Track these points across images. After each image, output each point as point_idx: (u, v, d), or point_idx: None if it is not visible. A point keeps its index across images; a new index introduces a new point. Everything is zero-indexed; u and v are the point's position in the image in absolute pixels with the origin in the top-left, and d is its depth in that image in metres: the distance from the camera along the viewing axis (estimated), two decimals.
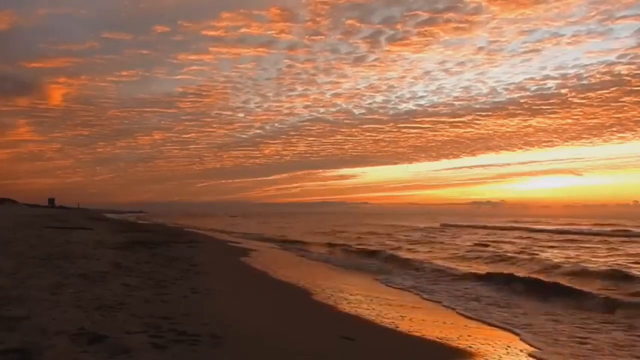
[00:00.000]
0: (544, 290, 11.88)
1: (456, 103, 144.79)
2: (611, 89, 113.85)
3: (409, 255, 20.50)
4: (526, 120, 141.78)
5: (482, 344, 6.94)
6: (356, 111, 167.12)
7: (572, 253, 21.87)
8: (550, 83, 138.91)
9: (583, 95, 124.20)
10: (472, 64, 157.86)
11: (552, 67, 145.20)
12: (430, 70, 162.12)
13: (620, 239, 32.36)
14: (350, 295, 10.75)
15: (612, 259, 19.08)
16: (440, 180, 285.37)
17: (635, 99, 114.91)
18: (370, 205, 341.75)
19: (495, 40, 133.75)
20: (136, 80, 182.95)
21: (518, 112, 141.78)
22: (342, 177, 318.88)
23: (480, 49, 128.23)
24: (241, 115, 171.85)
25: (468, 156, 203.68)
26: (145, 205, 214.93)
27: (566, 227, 47.84)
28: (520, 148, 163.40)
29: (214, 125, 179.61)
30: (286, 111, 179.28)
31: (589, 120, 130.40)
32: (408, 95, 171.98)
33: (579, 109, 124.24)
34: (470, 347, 6.72)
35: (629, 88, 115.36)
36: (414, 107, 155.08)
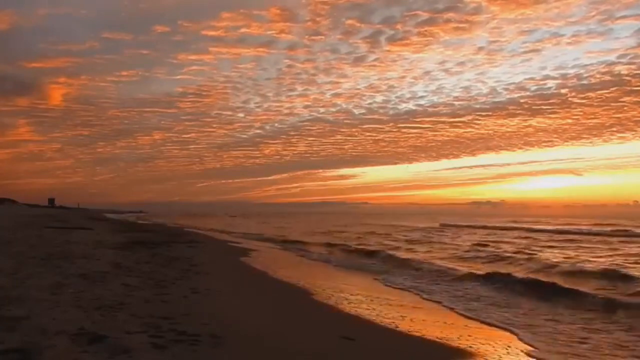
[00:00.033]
0: (543, 290, 11.88)
1: (456, 103, 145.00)
2: (611, 89, 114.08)
3: (408, 255, 20.50)
4: (526, 120, 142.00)
5: (482, 344, 6.94)
6: (356, 111, 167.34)
7: (571, 253, 21.85)
8: (550, 83, 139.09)
9: (583, 95, 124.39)
10: (472, 64, 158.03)
11: (552, 67, 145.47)
12: (430, 70, 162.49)
13: (619, 238, 32.37)
14: (351, 295, 10.75)
15: (611, 259, 19.07)
16: (440, 180, 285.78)
17: (635, 99, 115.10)
18: (370, 205, 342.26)
19: (495, 40, 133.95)
20: (136, 80, 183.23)
21: (518, 112, 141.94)
22: (342, 177, 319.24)
23: (480, 49, 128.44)
24: (241, 115, 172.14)
25: (468, 156, 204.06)
26: (145, 205, 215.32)
27: (566, 227, 47.86)
28: (520, 148, 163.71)
29: (214, 125, 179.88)
30: (286, 111, 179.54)
31: (589, 120, 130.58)
32: (408, 95, 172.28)
33: (579, 109, 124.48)
34: (470, 347, 6.72)
35: (629, 88, 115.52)
36: (414, 107, 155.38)
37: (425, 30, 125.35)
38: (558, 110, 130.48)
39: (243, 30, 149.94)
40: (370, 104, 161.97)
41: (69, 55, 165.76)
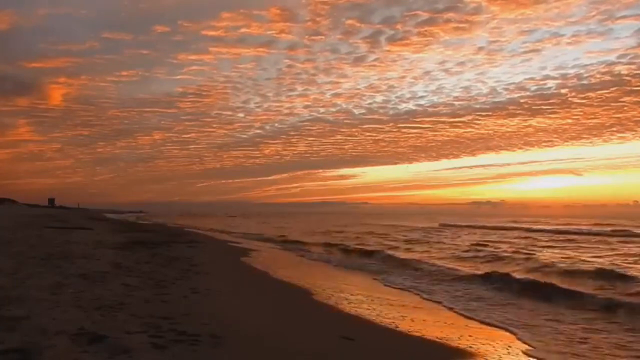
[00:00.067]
0: (542, 290, 11.88)
1: (456, 103, 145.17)
2: (611, 89, 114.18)
3: (407, 255, 20.52)
4: (526, 120, 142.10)
5: (482, 344, 6.95)
6: (356, 111, 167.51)
7: (571, 253, 21.85)
8: (550, 83, 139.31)
9: (583, 95, 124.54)
10: (472, 64, 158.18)
11: (552, 67, 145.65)
12: (430, 70, 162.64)
13: (619, 238, 32.38)
14: (351, 295, 10.76)
15: (610, 259, 19.09)
16: (440, 180, 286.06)
17: (635, 99, 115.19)
18: (370, 205, 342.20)
19: (495, 40, 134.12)
20: (136, 80, 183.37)
21: (518, 112, 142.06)
22: (342, 177, 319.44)
23: (480, 49, 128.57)
24: (241, 115, 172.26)
25: (468, 156, 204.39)
26: (145, 205, 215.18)
27: (565, 227, 47.86)
28: (520, 148, 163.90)
29: (214, 125, 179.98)
30: (286, 111, 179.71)
31: (589, 120, 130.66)
32: (408, 95, 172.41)
33: (579, 109, 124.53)
34: (470, 347, 6.73)
35: (629, 88, 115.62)
36: (414, 107, 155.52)
37: (425, 30, 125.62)
38: (558, 110, 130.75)
39: (243, 30, 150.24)
40: (370, 104, 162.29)
41: (69, 55, 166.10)
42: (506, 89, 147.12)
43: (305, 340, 6.37)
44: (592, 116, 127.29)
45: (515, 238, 33.69)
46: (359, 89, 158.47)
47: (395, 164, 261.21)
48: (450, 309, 10.03)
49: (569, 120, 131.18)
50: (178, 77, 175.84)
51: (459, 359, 6.21)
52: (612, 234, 37.15)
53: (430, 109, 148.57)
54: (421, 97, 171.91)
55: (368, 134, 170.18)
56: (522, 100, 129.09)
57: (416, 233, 40.09)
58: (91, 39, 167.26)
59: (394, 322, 8.07)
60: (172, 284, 9.27)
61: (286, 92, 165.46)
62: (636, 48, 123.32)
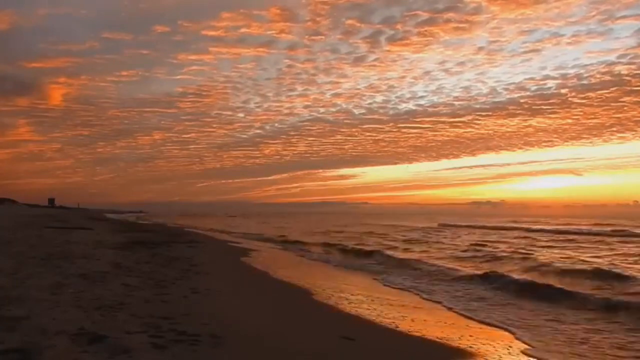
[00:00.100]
0: (542, 290, 11.88)
1: (456, 103, 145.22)
2: (611, 89, 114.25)
3: (406, 255, 20.51)
4: (526, 120, 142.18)
5: (483, 344, 6.95)
6: (356, 111, 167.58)
7: (570, 253, 21.85)
8: (550, 83, 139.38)
9: (583, 95, 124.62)
10: (472, 64, 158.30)
11: (552, 67, 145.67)
12: (430, 70, 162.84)
13: (618, 238, 32.37)
14: (351, 295, 10.76)
15: (609, 259, 19.09)
16: (440, 180, 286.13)
17: (635, 99, 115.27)
18: (370, 205, 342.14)
19: (495, 40, 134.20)
20: (136, 80, 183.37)
21: (518, 112, 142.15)
22: (342, 177, 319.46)
23: (480, 49, 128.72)
24: (241, 115, 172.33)
25: (468, 156, 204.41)
26: (145, 205, 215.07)
27: (565, 227, 47.86)
28: (520, 148, 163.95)
29: (214, 125, 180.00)
30: (286, 111, 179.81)
31: (589, 120, 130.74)
32: (408, 95, 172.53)
33: (579, 109, 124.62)
34: (470, 347, 6.73)
35: (629, 88, 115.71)
36: (414, 107, 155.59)
37: (425, 30, 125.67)
38: (558, 110, 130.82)
39: (243, 30, 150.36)
40: (370, 104, 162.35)
41: (69, 55, 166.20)
42: (506, 89, 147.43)
43: (305, 340, 6.37)
44: (592, 116, 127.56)
45: (515, 238, 33.68)
46: (359, 89, 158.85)
47: (395, 164, 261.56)
48: (450, 309, 10.03)
49: (569, 120, 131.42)
50: (178, 77, 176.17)
51: (459, 359, 6.21)
52: (612, 234, 37.14)
53: (430, 109, 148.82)
54: (421, 97, 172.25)
55: (368, 134, 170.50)
56: (522, 100, 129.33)
57: (415, 233, 40.09)
58: (91, 39, 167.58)
59: (394, 322, 8.07)
60: (172, 284, 9.27)
61: (286, 92, 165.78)
62: (636, 48, 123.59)
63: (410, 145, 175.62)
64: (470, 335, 7.48)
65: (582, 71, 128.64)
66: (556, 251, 22.88)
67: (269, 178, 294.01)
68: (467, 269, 15.98)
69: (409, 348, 6.67)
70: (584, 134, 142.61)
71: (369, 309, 9.12)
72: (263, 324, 6.97)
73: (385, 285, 13.33)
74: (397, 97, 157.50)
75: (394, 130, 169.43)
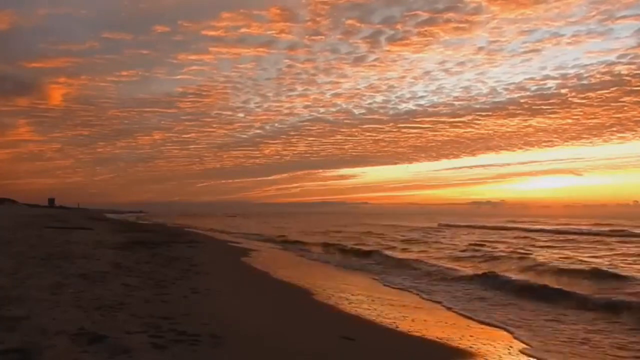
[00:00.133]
0: (542, 290, 11.87)
1: (456, 103, 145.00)
2: (611, 89, 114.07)
3: (405, 256, 20.51)
4: (526, 120, 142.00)
5: (483, 344, 6.95)
6: (356, 111, 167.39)
7: (569, 253, 21.84)
8: (550, 83, 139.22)
9: (583, 95, 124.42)
10: (472, 64, 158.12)
11: (552, 67, 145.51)
12: (430, 70, 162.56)
13: (618, 239, 32.37)
14: (351, 295, 10.76)
15: (609, 259, 19.10)
16: (440, 180, 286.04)
17: (635, 99, 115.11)
18: (370, 205, 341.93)
19: (495, 40, 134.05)
20: (136, 80, 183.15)
21: (518, 112, 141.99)
22: (342, 177, 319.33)
23: (480, 49, 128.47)
24: (241, 115, 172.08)
25: (468, 156, 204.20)
26: (145, 205, 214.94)
27: (565, 227, 47.85)
28: (520, 148, 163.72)
29: (214, 125, 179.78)
30: (286, 111, 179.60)
31: (589, 120, 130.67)
32: (408, 95, 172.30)
33: (579, 109, 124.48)
34: (470, 347, 6.73)
35: (629, 88, 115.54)
36: (414, 107, 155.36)
37: (425, 30, 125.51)
38: (558, 110, 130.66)
39: (243, 30, 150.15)
40: (370, 104, 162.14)
41: (69, 55, 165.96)
42: (506, 89, 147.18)
43: (305, 340, 6.37)
44: (592, 116, 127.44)
45: (514, 238, 33.68)
46: (359, 89, 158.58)
47: (395, 164, 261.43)
48: (450, 309, 10.03)
49: (569, 120, 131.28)
50: (178, 77, 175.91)
51: (459, 359, 6.21)
52: (612, 234, 37.14)
53: (430, 109, 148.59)
54: (421, 97, 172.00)
55: (368, 134, 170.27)
56: (522, 100, 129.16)
57: (415, 233, 40.10)
58: (91, 39, 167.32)
59: (394, 322, 8.07)
60: (172, 284, 9.27)
61: (286, 92, 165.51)
62: (636, 48, 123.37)
63: (410, 145, 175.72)
64: (471, 335, 7.48)
65: (582, 71, 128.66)
66: (555, 251, 22.88)
67: (269, 178, 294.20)
68: (466, 269, 15.98)
69: (409, 348, 6.67)
70: (584, 134, 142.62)
71: (369, 309, 9.13)
72: (263, 324, 6.97)
73: (385, 285, 13.33)
74: (397, 97, 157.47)
75: (394, 130, 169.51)
